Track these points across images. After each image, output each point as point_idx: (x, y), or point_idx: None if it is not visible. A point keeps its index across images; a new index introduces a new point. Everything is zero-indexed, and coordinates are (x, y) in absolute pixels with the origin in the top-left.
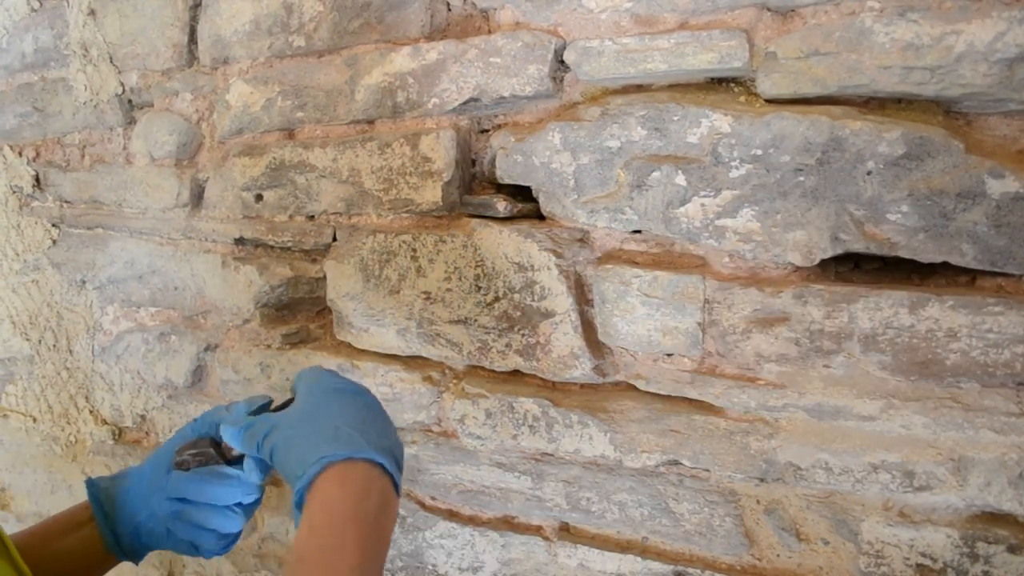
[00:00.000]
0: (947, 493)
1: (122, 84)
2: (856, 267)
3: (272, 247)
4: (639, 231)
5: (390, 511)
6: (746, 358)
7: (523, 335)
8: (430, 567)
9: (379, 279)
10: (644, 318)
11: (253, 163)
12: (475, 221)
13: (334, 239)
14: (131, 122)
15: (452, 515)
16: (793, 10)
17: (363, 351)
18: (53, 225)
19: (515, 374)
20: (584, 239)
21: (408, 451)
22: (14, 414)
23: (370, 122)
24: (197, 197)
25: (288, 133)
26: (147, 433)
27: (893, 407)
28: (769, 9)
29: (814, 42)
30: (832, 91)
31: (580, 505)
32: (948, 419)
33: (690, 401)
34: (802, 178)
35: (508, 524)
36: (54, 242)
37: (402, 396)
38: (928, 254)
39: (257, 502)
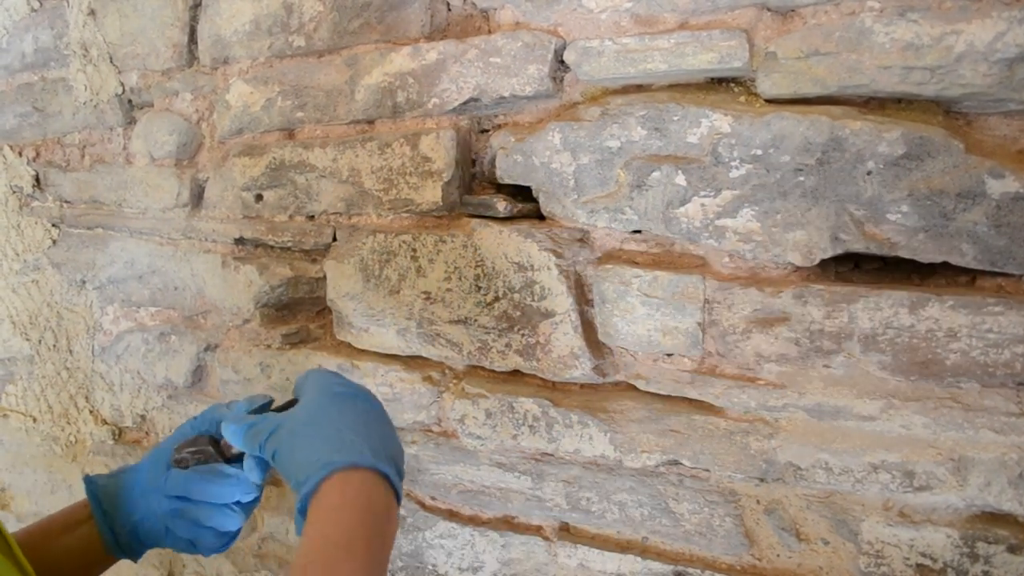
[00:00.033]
0: (947, 493)
1: (122, 84)
2: (856, 267)
3: (272, 247)
4: (639, 231)
5: (392, 520)
6: (746, 358)
7: (523, 335)
8: (430, 567)
9: (379, 279)
10: (644, 318)
11: (253, 163)
12: (475, 221)
13: (334, 239)
14: (131, 122)
15: (452, 515)
16: (793, 10)
17: (363, 351)
18: (53, 225)
19: (515, 374)
20: (584, 239)
21: (408, 451)
22: (14, 414)
23: (370, 122)
24: (197, 197)
25: (288, 133)
26: (147, 433)
27: (893, 407)
28: (769, 9)
29: (814, 42)
30: (832, 91)
31: (580, 505)
32: (948, 419)
33: (690, 401)
34: (802, 178)
35: (508, 524)
36: (54, 242)
37: (402, 396)
38: (928, 254)
39: (256, 500)
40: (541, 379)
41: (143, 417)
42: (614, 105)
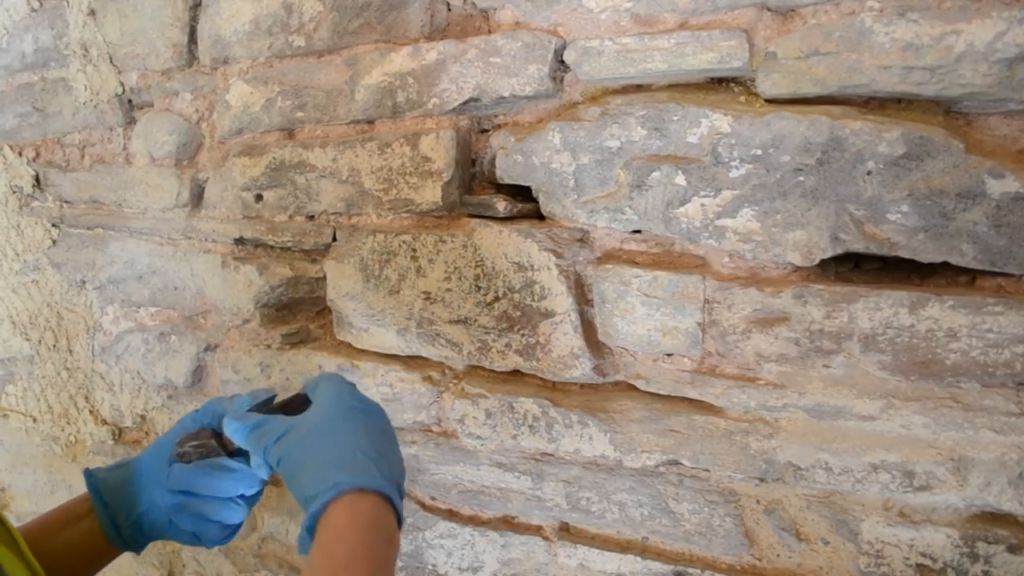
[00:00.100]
0: (947, 493)
1: (122, 84)
2: (856, 267)
3: (272, 247)
4: (639, 231)
5: (394, 544)
6: (746, 358)
7: (523, 335)
8: (430, 567)
9: (379, 279)
10: (644, 318)
11: (253, 163)
12: (475, 221)
13: (334, 239)
14: (131, 122)
15: (452, 515)
16: (793, 10)
17: (363, 351)
18: (53, 225)
19: (515, 374)
20: (584, 239)
21: (408, 451)
22: (14, 414)
23: (370, 122)
24: (197, 197)
25: (288, 133)
26: (147, 433)
27: (893, 407)
28: (769, 9)
29: (814, 42)
30: (832, 91)
31: (580, 505)
32: (948, 419)
33: (690, 401)
34: (802, 178)
35: (508, 524)
36: (54, 242)
37: (402, 396)
38: (928, 254)
39: (259, 493)
40: (541, 379)
41: (143, 417)
42: (614, 105)
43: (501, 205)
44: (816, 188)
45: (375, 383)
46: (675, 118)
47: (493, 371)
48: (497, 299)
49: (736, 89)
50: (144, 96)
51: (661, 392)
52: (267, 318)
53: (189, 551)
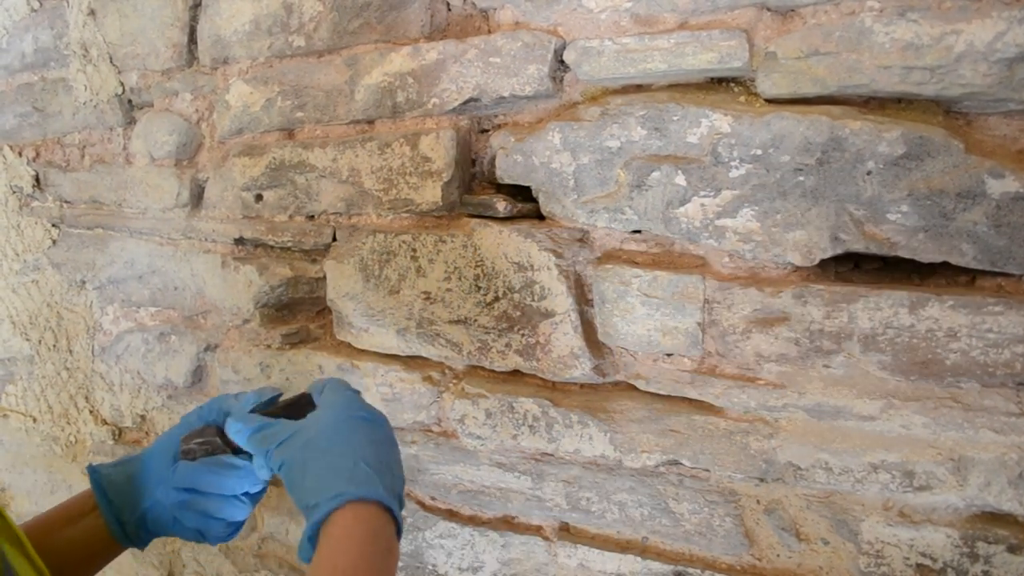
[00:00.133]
0: (947, 493)
1: (122, 84)
2: (856, 267)
3: (272, 247)
4: (639, 231)
5: (394, 554)
6: (746, 358)
7: (523, 335)
8: (430, 567)
9: (379, 279)
10: (644, 318)
11: (253, 163)
12: (475, 221)
13: (334, 239)
14: (131, 122)
15: (452, 515)
16: (793, 10)
17: (363, 351)
18: (53, 225)
19: (515, 374)
20: (584, 239)
21: (408, 451)
22: (14, 414)
23: (370, 122)
24: (197, 197)
25: (288, 133)
26: (147, 433)
27: (893, 407)
28: (769, 9)
29: (814, 42)
30: (832, 91)
31: (580, 505)
32: (948, 419)
33: (690, 401)
34: (802, 178)
35: (508, 524)
36: (54, 242)
37: (402, 396)
38: (928, 254)
39: (263, 491)
40: (541, 379)
41: (143, 417)
42: (614, 105)
43: (501, 205)
44: (816, 188)
45: (375, 383)
46: (675, 118)
47: (493, 371)
48: (497, 299)
49: (736, 89)
50: (144, 96)
51: (661, 392)
52: (267, 318)
53: (189, 551)
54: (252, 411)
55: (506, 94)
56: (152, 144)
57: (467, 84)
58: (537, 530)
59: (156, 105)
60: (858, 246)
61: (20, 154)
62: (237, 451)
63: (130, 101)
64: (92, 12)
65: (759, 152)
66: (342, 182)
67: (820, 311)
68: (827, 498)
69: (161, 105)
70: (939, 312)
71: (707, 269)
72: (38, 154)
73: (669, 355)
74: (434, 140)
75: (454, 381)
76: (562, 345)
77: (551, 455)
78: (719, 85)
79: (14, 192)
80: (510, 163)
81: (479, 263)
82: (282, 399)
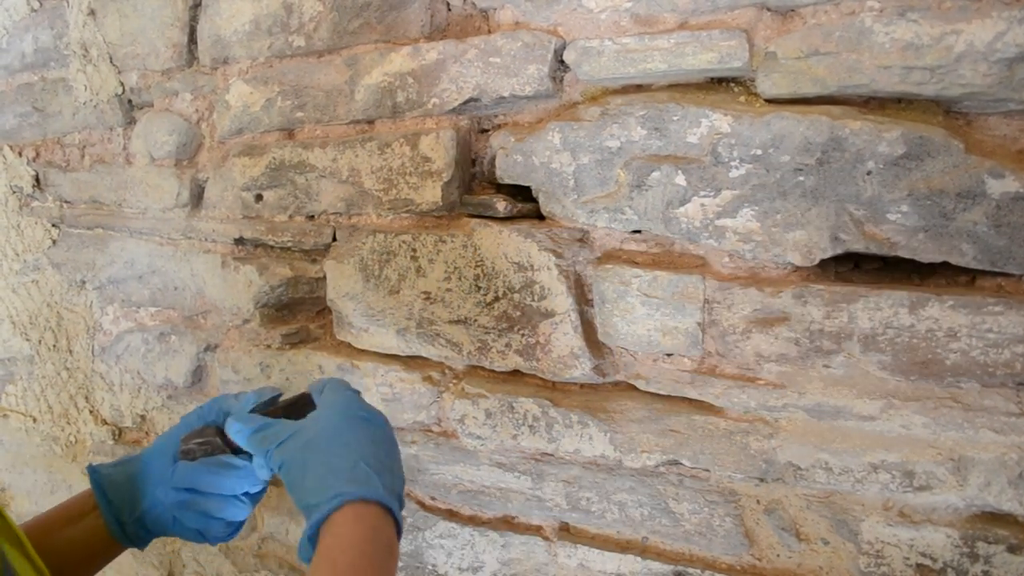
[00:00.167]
0: (947, 493)
1: (122, 84)
2: (856, 267)
3: (272, 247)
4: (639, 231)
5: (394, 553)
6: (746, 358)
7: (523, 335)
8: (430, 567)
9: (379, 279)
10: (644, 318)
11: (253, 163)
12: (475, 221)
13: (334, 239)
14: (131, 122)
15: (452, 515)
16: (793, 10)
17: (363, 351)
18: (53, 225)
19: (515, 374)
20: (584, 239)
21: (408, 451)
22: (14, 414)
23: (370, 122)
24: (197, 197)
25: (288, 133)
26: (147, 433)
27: (893, 407)
28: (769, 9)
29: (814, 42)
30: (832, 91)
31: (580, 505)
32: (948, 419)
33: (690, 401)
34: (802, 178)
35: (508, 524)
36: (54, 242)
37: (402, 396)
38: (928, 254)
39: (263, 491)
40: (541, 379)
41: (143, 417)
42: (614, 105)
43: (501, 205)
44: (816, 188)
45: (375, 383)
46: (675, 118)
47: (493, 371)
48: (497, 299)
49: (736, 89)
50: (144, 96)
51: (661, 392)
52: (267, 318)
53: (189, 551)
54: (252, 411)
55: (506, 94)
56: (152, 144)
57: (467, 84)
58: (537, 530)
59: (156, 105)
60: (858, 246)
61: (20, 154)
62: (237, 451)
63: (130, 101)
64: (92, 12)
65: (759, 152)
66: (342, 182)
67: (820, 311)
68: (827, 498)
69: (161, 105)
70: (939, 312)
71: (707, 269)
72: (38, 154)
73: (669, 355)
74: (434, 140)
75: (454, 381)
76: (562, 345)
77: (551, 455)
78: (719, 85)
79: (14, 192)
80: (510, 163)
81: (479, 263)
82: (282, 399)
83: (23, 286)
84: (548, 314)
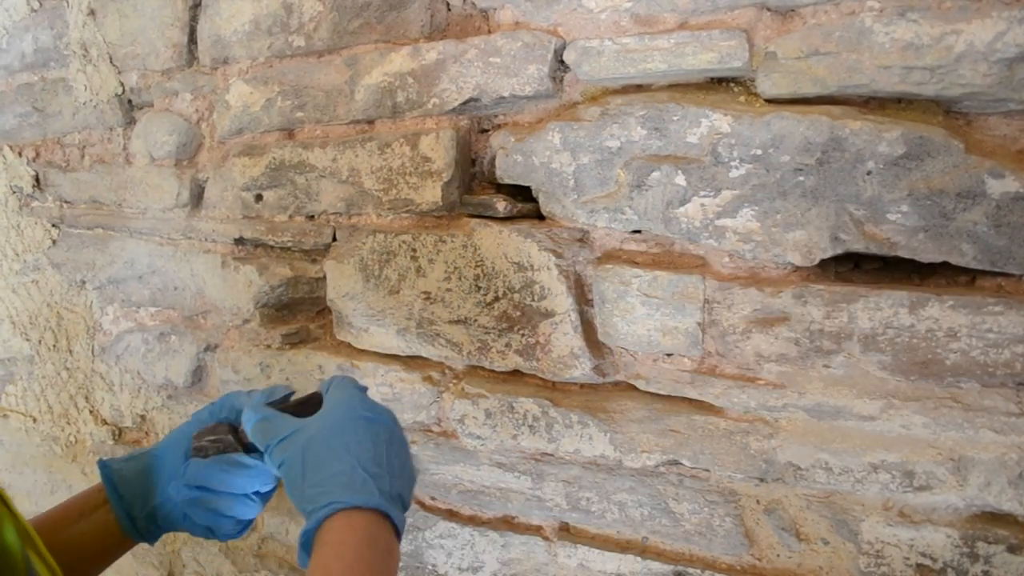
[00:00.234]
0: (947, 493)
1: (122, 84)
2: (856, 267)
3: (272, 247)
4: (639, 231)
5: (393, 556)
6: (746, 358)
7: (523, 335)
8: (430, 567)
9: (379, 279)
10: (644, 318)
11: (253, 163)
12: (475, 221)
13: (334, 239)
14: (131, 122)
15: (452, 515)
16: (793, 10)
17: (363, 351)
18: (53, 225)
19: (515, 374)
20: (584, 239)
21: None
22: (14, 414)
23: (370, 122)
24: (197, 197)
25: (288, 133)
26: (147, 433)
27: (893, 407)
28: (769, 9)
29: (814, 42)
30: (832, 91)
31: (580, 505)
32: (948, 419)
33: (690, 401)
34: (802, 178)
35: (508, 524)
36: (54, 242)
37: (402, 396)
38: (928, 254)
39: (273, 490)
40: (541, 379)
41: (143, 417)
42: (614, 105)
43: (501, 205)
44: (816, 188)
45: (375, 383)
46: (675, 118)
47: (493, 371)
48: (497, 299)
49: (736, 89)
50: (144, 96)
51: (661, 392)
52: (267, 318)
53: (189, 551)
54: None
55: (506, 94)
56: (152, 144)
57: (467, 84)
58: (537, 530)
59: (156, 105)
60: (858, 246)
61: (20, 154)
62: (248, 449)
63: (130, 101)
64: (92, 12)
65: (759, 152)
66: (342, 182)
67: (820, 311)
68: (827, 498)
69: (161, 105)
70: (939, 312)
71: (707, 269)
72: (38, 154)
73: (669, 355)
74: (434, 140)
75: (454, 381)
76: (562, 345)
77: (551, 455)
78: (719, 85)
79: (14, 192)
80: (510, 163)
81: (479, 263)
82: (294, 398)
83: (23, 286)
84: (548, 314)
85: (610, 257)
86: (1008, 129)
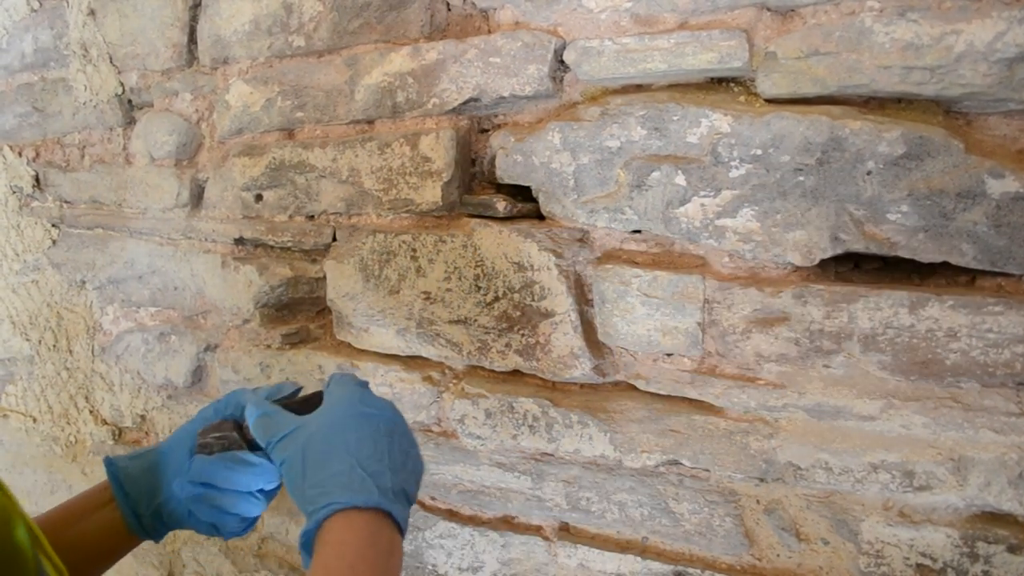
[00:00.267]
0: (947, 493)
1: (122, 84)
2: (856, 267)
3: (272, 247)
4: (639, 231)
5: (396, 554)
6: (746, 358)
7: (523, 335)
8: (430, 567)
9: (379, 279)
10: (644, 318)
11: (253, 163)
12: (475, 221)
13: (334, 239)
14: (131, 122)
15: (452, 515)
16: (793, 10)
17: (363, 351)
18: (53, 225)
19: (515, 374)
20: (584, 239)
21: None
22: (14, 414)
23: (370, 122)
24: (197, 197)
25: (288, 133)
26: (147, 433)
27: (893, 407)
28: (769, 9)
29: (814, 42)
30: (832, 91)
31: (580, 505)
32: (948, 419)
33: (690, 401)
34: (802, 178)
35: (508, 524)
36: (54, 242)
37: (402, 396)
38: (928, 254)
39: (278, 488)
40: (541, 379)
41: (143, 417)
42: (614, 105)
43: (501, 205)
44: (816, 188)
45: (375, 383)
46: (675, 118)
47: (493, 371)
48: (497, 299)
49: (736, 89)
50: (144, 96)
51: (661, 392)
52: (267, 318)
53: (189, 551)
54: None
55: (506, 94)
56: (152, 144)
57: (467, 84)
58: (537, 530)
59: (156, 105)
60: (858, 246)
61: (20, 154)
62: (253, 446)
63: (130, 101)
64: (92, 12)
65: (759, 152)
66: (342, 182)
67: (820, 311)
68: (827, 498)
69: (161, 105)
70: (939, 312)
71: (707, 269)
72: (38, 154)
73: (669, 355)
74: (434, 140)
75: (454, 381)
76: (562, 345)
77: (551, 455)
78: (719, 85)
79: (14, 192)
80: (510, 163)
81: (479, 263)
82: (300, 395)
83: (23, 286)
84: (548, 314)
85: (610, 257)
86: (1008, 129)
